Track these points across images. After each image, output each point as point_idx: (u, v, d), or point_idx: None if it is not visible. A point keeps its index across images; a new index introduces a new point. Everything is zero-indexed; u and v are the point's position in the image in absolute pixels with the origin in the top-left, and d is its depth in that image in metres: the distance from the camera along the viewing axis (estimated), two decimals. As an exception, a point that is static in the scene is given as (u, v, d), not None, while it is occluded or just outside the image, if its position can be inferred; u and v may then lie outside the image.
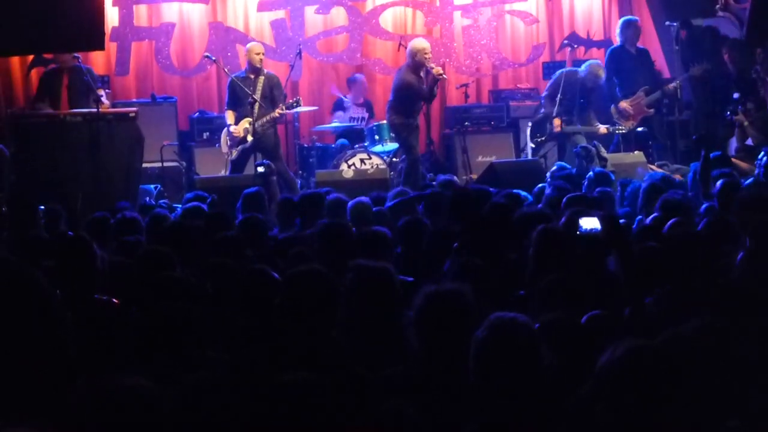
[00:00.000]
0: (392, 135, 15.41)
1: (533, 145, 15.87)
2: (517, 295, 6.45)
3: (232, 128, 14.70)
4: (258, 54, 14.89)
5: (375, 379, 5.04)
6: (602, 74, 15.83)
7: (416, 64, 14.75)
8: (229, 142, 14.78)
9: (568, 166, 13.22)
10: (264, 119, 14.55)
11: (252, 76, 14.80)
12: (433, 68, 14.73)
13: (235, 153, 14.71)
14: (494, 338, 4.47)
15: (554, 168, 12.95)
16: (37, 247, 7.99)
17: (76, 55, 13.87)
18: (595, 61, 16.36)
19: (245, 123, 14.62)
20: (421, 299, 5.06)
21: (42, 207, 10.46)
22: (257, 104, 14.50)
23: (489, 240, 7.37)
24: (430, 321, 5.01)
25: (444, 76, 14.96)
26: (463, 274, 6.22)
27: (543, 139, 15.72)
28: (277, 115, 14.64)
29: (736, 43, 15.93)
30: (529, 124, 16.20)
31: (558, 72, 16.12)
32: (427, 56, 14.75)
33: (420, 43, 15.18)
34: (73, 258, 6.74)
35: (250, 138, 14.56)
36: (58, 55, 14.09)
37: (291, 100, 14.93)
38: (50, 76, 14.21)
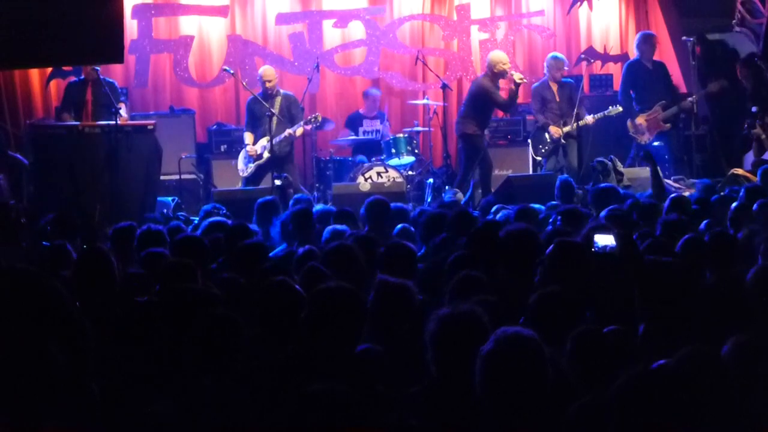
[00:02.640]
0: (459, 146, 15.79)
1: (539, 158, 15.83)
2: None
3: (249, 148, 14.85)
4: (269, 82, 15.07)
5: (392, 397, 5.07)
6: (561, 65, 15.91)
7: (495, 75, 15.14)
8: (245, 160, 14.91)
9: (571, 180, 13.04)
10: (282, 137, 14.67)
11: (268, 98, 14.93)
12: (513, 74, 14.99)
13: (251, 168, 14.81)
14: (500, 352, 4.47)
15: (557, 183, 12.72)
16: (56, 257, 8.05)
17: (95, 67, 13.95)
18: (551, 55, 16.39)
19: (263, 141, 14.76)
20: (435, 323, 5.05)
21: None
22: (275, 120, 14.60)
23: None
24: (443, 344, 5.00)
25: (524, 79, 15.17)
26: (464, 289, 6.21)
27: (547, 148, 15.66)
28: (293, 133, 14.78)
29: (750, 59, 15.94)
30: (529, 140, 16.18)
31: (533, 87, 16.19)
32: (505, 66, 15.05)
33: (498, 54, 15.56)
34: (91, 269, 6.79)
35: (267, 155, 14.67)
36: (82, 67, 14.18)
37: (310, 117, 15.04)
38: (75, 87, 14.31)
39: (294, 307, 5.84)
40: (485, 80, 15.17)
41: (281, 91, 15.20)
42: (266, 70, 15.37)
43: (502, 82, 15.49)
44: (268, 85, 15.01)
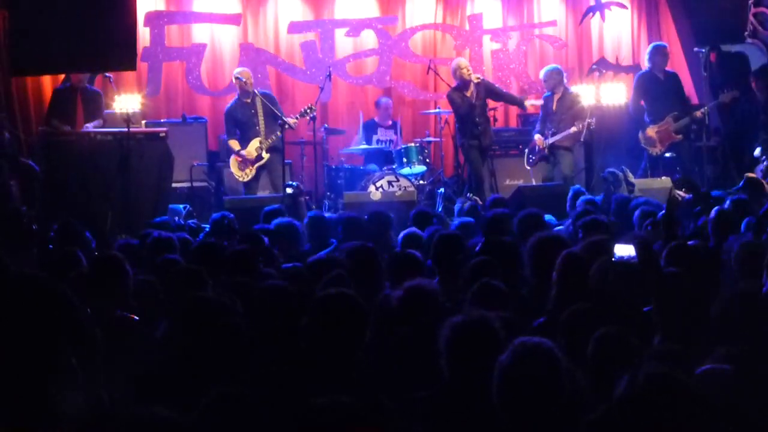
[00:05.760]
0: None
1: (529, 167, 15.82)
2: (536, 322, 6.44)
3: (244, 152, 14.85)
4: (246, 83, 15.03)
5: (399, 404, 5.06)
6: (554, 77, 15.67)
7: (458, 81, 15.16)
8: (241, 166, 14.88)
9: (583, 189, 13.06)
10: (274, 136, 14.70)
11: (248, 100, 14.94)
12: (471, 77, 15.17)
13: (252, 171, 14.82)
14: (518, 363, 4.48)
15: (569, 194, 12.65)
16: (67, 264, 8.05)
17: (107, 75, 13.98)
18: (549, 68, 16.23)
19: (256, 143, 14.77)
20: (448, 329, 5.08)
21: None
22: (263, 123, 14.65)
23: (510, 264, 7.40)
24: (456, 351, 5.03)
25: (480, 78, 15.25)
26: (484, 298, 6.21)
27: (534, 158, 15.64)
28: (290, 124, 14.79)
29: (763, 71, 15.91)
30: (525, 150, 16.12)
31: (543, 97, 16.12)
32: (463, 71, 15.05)
33: (456, 61, 15.78)
34: (105, 276, 6.79)
35: (266, 156, 14.72)
36: (72, 74, 14.16)
37: (304, 108, 15.05)
38: (63, 94, 14.26)
39: (292, 313, 5.86)
40: (450, 91, 15.38)
41: (257, 90, 15.20)
42: (245, 71, 15.36)
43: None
44: (247, 88, 15.00)
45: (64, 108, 14.06)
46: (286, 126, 14.74)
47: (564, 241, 7.52)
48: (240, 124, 15.00)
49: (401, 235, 9.76)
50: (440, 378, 5.16)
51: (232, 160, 15.03)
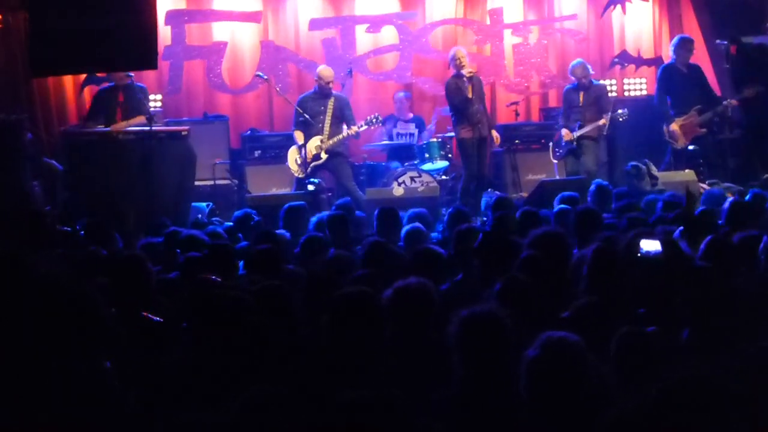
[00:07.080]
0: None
1: (555, 161, 15.78)
2: (561, 315, 6.41)
3: (309, 147, 14.86)
4: (327, 81, 15.08)
5: (415, 402, 5.05)
6: (581, 71, 15.64)
7: (455, 70, 14.97)
8: (299, 161, 14.85)
9: (605, 183, 13.04)
10: (336, 138, 14.71)
11: (322, 98, 14.94)
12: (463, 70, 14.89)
13: (308, 170, 14.79)
14: (545, 357, 4.49)
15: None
16: (92, 264, 8.07)
17: (129, 73, 13.99)
18: (575, 61, 16.22)
19: (316, 141, 14.75)
20: (457, 324, 5.07)
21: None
22: (329, 123, 14.62)
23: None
24: (466, 345, 5.02)
25: (472, 72, 14.91)
26: (508, 293, 6.17)
27: (561, 151, 15.62)
28: (353, 133, 14.89)
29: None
30: (550, 144, 16.06)
31: (564, 90, 16.13)
32: (458, 62, 14.87)
33: (454, 49, 15.47)
34: (127, 276, 6.80)
35: (324, 156, 14.71)
36: (112, 73, 14.16)
37: (370, 117, 15.15)
38: (105, 93, 14.22)
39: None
40: (450, 78, 15.17)
41: (333, 92, 15.22)
42: (326, 70, 15.38)
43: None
44: (330, 85, 15.07)
45: (105, 109, 13.98)
46: (351, 132, 14.86)
47: (564, 237, 7.52)
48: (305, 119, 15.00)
49: (403, 231, 9.78)
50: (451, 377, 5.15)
51: (292, 151, 15.07)
